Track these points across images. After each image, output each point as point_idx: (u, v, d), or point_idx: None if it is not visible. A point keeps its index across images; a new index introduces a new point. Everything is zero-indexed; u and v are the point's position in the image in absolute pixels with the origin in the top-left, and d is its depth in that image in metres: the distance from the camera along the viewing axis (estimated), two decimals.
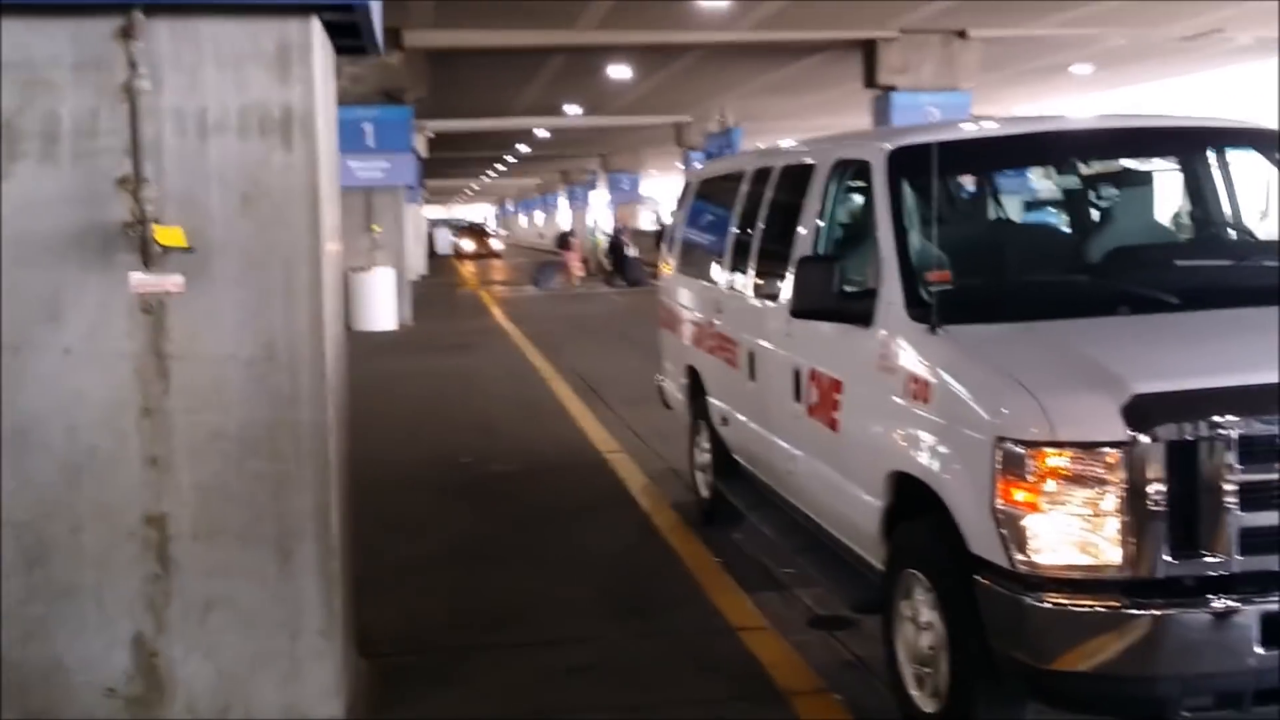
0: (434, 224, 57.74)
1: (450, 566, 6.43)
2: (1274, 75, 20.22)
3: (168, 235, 3.91)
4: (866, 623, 4.93)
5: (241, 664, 4.21)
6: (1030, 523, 3.51)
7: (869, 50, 18.90)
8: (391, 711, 4.57)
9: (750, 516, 6.20)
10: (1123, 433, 3.43)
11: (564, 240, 33.76)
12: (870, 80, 19.14)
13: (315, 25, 4.06)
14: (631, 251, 30.82)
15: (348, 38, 4.45)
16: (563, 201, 61.05)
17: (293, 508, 4.17)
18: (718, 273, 6.71)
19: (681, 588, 5.91)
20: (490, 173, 59.61)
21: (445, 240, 56.04)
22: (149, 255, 3.92)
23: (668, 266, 8.10)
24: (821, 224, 5.25)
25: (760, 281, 5.90)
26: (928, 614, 4.00)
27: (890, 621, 4.27)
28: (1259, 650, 3.38)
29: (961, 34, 18.45)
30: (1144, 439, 3.42)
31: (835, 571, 5.02)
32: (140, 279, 3.96)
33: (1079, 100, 28.05)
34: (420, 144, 29.82)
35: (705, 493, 7.17)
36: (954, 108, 18.23)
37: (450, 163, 45.59)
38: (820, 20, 17.32)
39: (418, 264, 35.89)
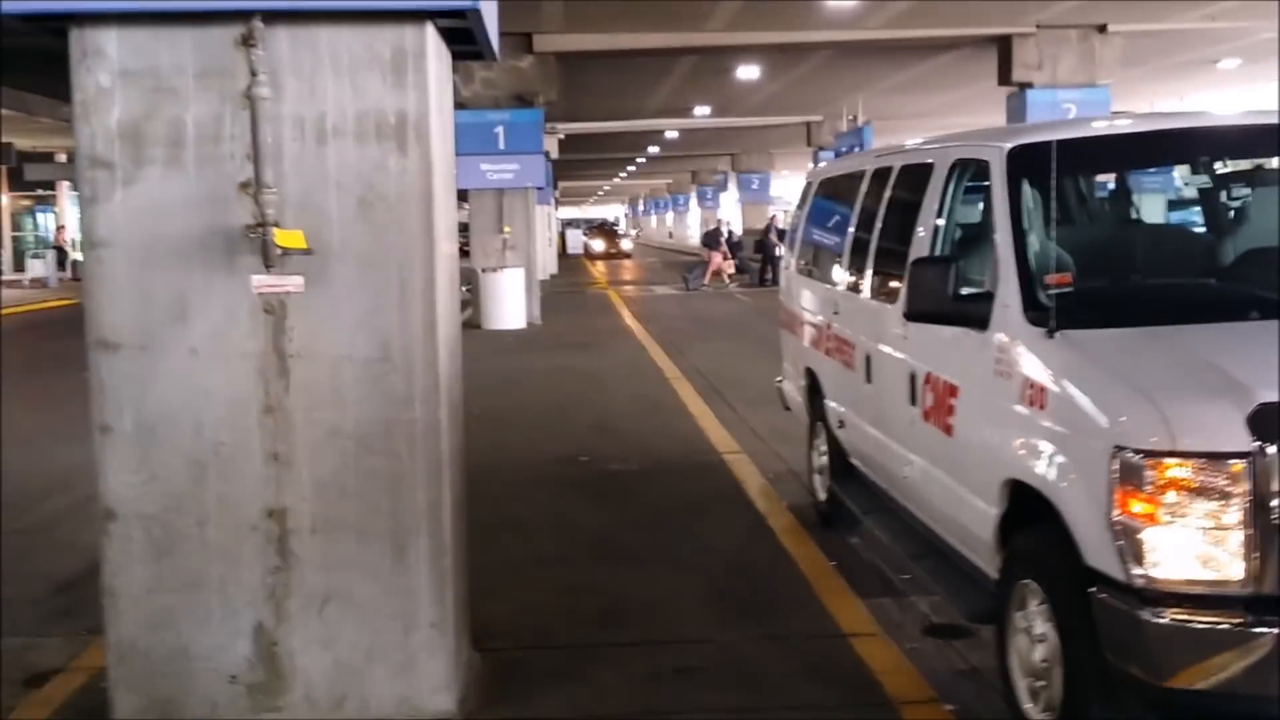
0: (566, 224, 58.40)
1: (566, 563, 6.49)
2: None
3: (288, 238, 4.03)
4: (983, 633, 4.82)
5: (357, 655, 4.31)
6: (1148, 535, 3.39)
7: (1004, 46, 18.48)
8: (504, 706, 4.62)
9: (866, 521, 6.12)
10: (1247, 443, 3.29)
11: (711, 238, 33.10)
12: (1005, 77, 18.72)
13: (430, 31, 4.14)
14: (781, 251, 30.58)
15: (465, 43, 4.53)
16: (693, 201, 61.09)
17: (406, 504, 4.26)
18: (836, 273, 6.65)
19: (795, 591, 5.86)
20: (621, 173, 60.01)
21: (576, 240, 56.65)
22: (270, 257, 4.04)
23: (790, 266, 8.06)
24: (939, 224, 5.15)
25: (877, 283, 5.83)
26: (1042, 626, 3.89)
27: (1004, 632, 4.18)
28: None
29: (1101, 28, 17.91)
30: (1270, 449, 3.27)
31: (951, 579, 4.93)
32: (262, 280, 4.08)
33: (1225, 95, 26.98)
34: (551, 146, 30.20)
35: (822, 496, 7.11)
36: (1092, 104, 17.72)
37: (582, 164, 46.08)
38: (952, 17, 17.01)
39: (548, 264, 36.31)
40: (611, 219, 68.56)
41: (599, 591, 5.99)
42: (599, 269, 43.92)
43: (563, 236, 54.26)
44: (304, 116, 4.09)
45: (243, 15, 3.97)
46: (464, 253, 20.84)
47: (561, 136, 32.29)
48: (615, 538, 7.00)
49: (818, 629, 5.34)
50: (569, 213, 76.00)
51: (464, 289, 20.39)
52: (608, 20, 17.07)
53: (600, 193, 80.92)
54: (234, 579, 4.27)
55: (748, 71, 22.63)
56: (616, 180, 66.09)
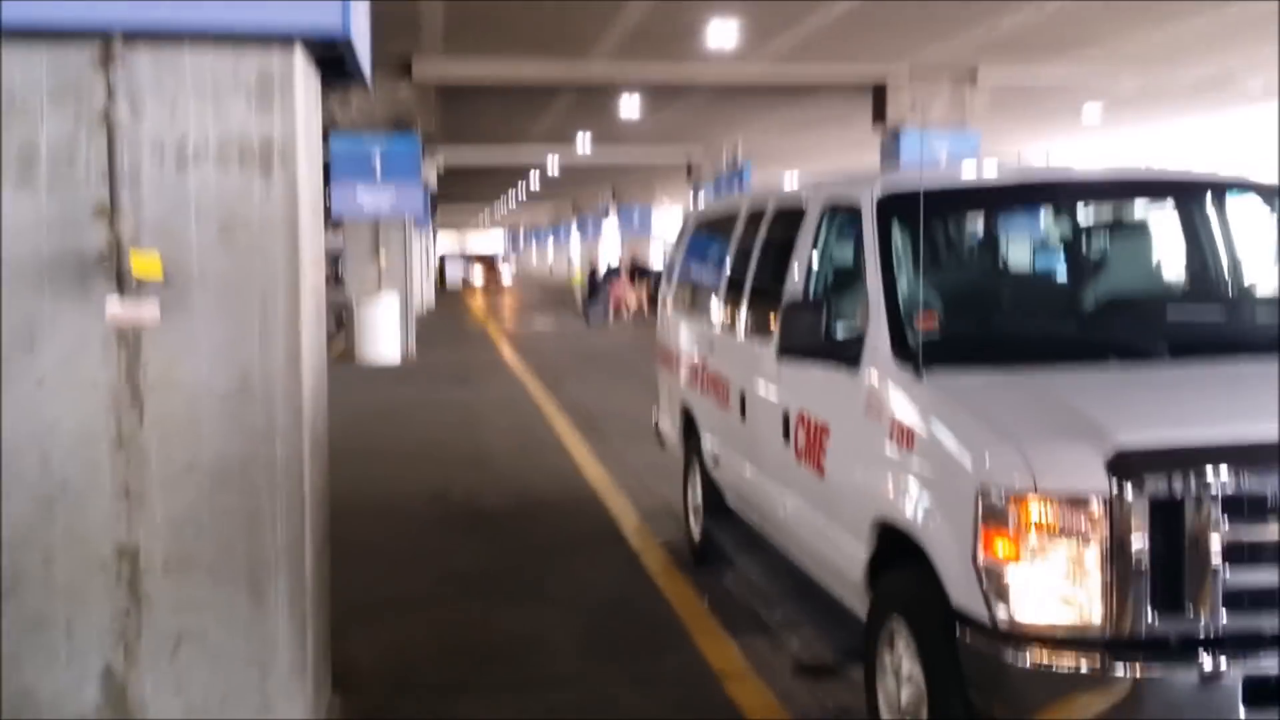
0: (445, 257, 57.81)
1: (436, 602, 6.35)
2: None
3: (144, 265, 3.87)
4: (853, 673, 4.83)
5: (211, 701, 4.14)
6: (1012, 576, 3.43)
7: (879, 90, 18.94)
8: None
9: (740, 560, 6.12)
10: (1106, 485, 3.35)
11: (611, 272, 32.71)
12: (880, 118, 19.16)
13: (298, 56, 4.03)
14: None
15: (336, 69, 4.42)
16: (574, 232, 61.18)
17: (265, 543, 4.11)
18: (712, 311, 6.67)
19: (666, 630, 5.82)
20: (503, 203, 59.81)
21: (455, 272, 56.10)
22: (125, 284, 3.88)
23: (665, 303, 8.07)
24: (812, 265, 5.20)
25: (752, 321, 5.85)
26: (909, 666, 3.91)
27: (873, 673, 4.19)
28: (1243, 713, 3.29)
29: (972, 74, 18.47)
30: (1128, 492, 3.34)
31: (823, 619, 4.95)
32: (116, 309, 3.91)
33: (1090, 142, 28.05)
34: (431, 174, 29.91)
35: (697, 534, 7.09)
36: (963, 147, 18.22)
37: (462, 192, 45.75)
38: (831, 57, 17.37)
39: (426, 296, 35.87)
40: (492, 251, 68.21)
41: (469, 631, 5.87)
42: (478, 301, 43.61)
43: (441, 269, 53.65)
44: (164, 140, 3.94)
45: (102, 35, 3.82)
46: (338, 281, 20.52)
47: (441, 165, 32.04)
48: (487, 576, 6.88)
49: (690, 669, 5.30)
50: (448, 241, 75.33)
51: (335, 320, 20.04)
52: (488, 47, 16.99)
53: (482, 222, 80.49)
54: (82, 619, 4.06)
55: (630, 105, 22.77)
56: (499, 209, 65.83)
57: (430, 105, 19.23)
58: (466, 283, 53.81)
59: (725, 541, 6.41)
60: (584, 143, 29.10)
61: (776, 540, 5.57)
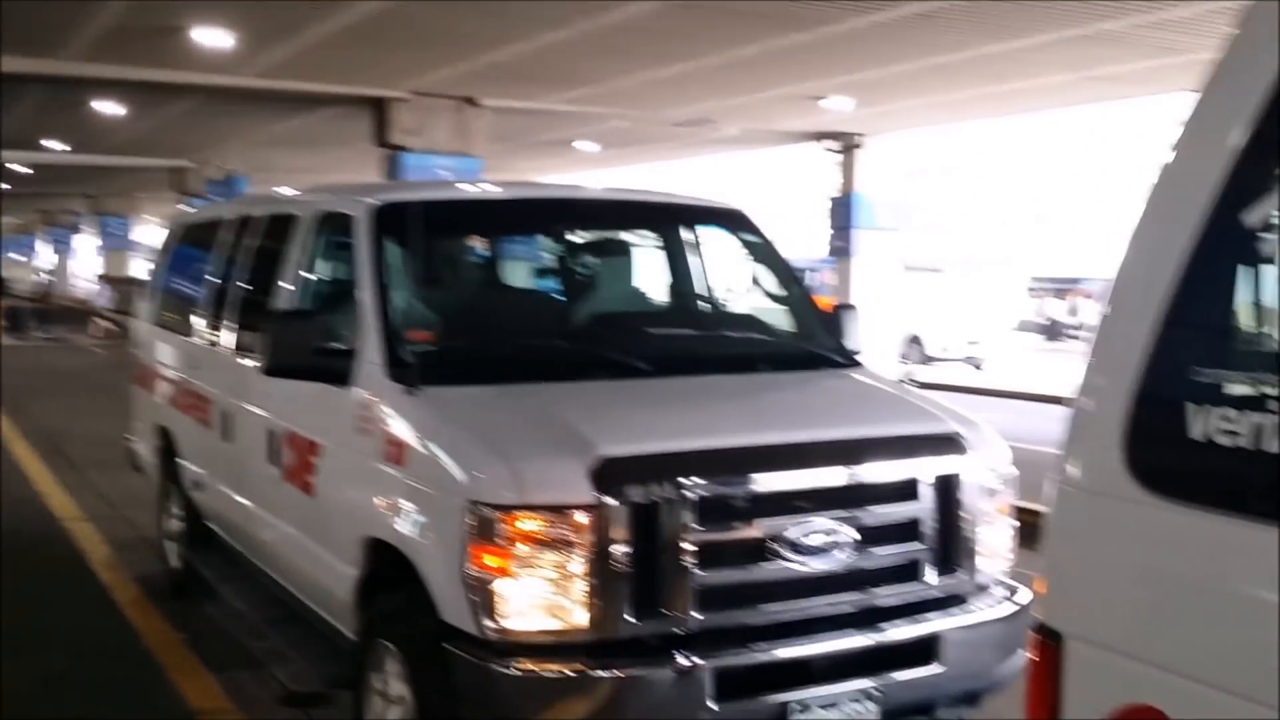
0: None
1: None
2: (759, 163, 22.37)
3: None
4: (343, 699, 4.65)
5: None
6: (500, 588, 3.44)
7: (380, 109, 18.78)
8: None
9: (223, 589, 5.75)
10: (590, 495, 3.44)
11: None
12: (382, 139, 19.02)
13: None
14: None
15: None
16: (41, 245, 55.77)
17: None
18: (195, 326, 6.23)
19: (139, 669, 5.35)
20: None
21: None
22: None
23: (142, 319, 7.47)
24: (304, 278, 4.99)
25: (239, 336, 5.53)
26: (399, 687, 3.81)
27: (361, 696, 4.04)
28: (712, 706, 3.49)
29: (472, 101, 18.80)
30: (610, 501, 3.45)
31: (311, 646, 4.74)
32: None
33: (588, 175, 29.55)
34: None
35: (176, 563, 6.60)
36: (466, 173, 18.50)
37: None
38: (330, 74, 16.99)
39: None
40: None
41: None
42: None
43: None
44: None
45: None
46: None
47: None
48: None
49: (163, 709, 4.88)
50: None
51: None
52: None
53: None
54: None
55: (109, 107, 21.06)
56: None
57: None
58: None
59: (208, 571, 6.00)
60: (56, 148, 26.54)
61: (265, 567, 5.28)
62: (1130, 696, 1.82)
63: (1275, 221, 1.70)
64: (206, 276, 6.16)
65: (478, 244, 5.76)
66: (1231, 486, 1.73)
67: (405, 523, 3.81)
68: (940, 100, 17.26)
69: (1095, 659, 1.90)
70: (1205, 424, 1.73)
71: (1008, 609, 4.01)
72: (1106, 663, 1.88)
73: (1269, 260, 1.73)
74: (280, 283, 5.07)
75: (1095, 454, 1.91)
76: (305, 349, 4.28)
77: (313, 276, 5.03)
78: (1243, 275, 1.77)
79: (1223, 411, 1.70)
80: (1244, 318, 1.79)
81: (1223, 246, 1.76)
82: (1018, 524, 4.15)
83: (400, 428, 3.93)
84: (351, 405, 4.22)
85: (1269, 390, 1.66)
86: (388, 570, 3.95)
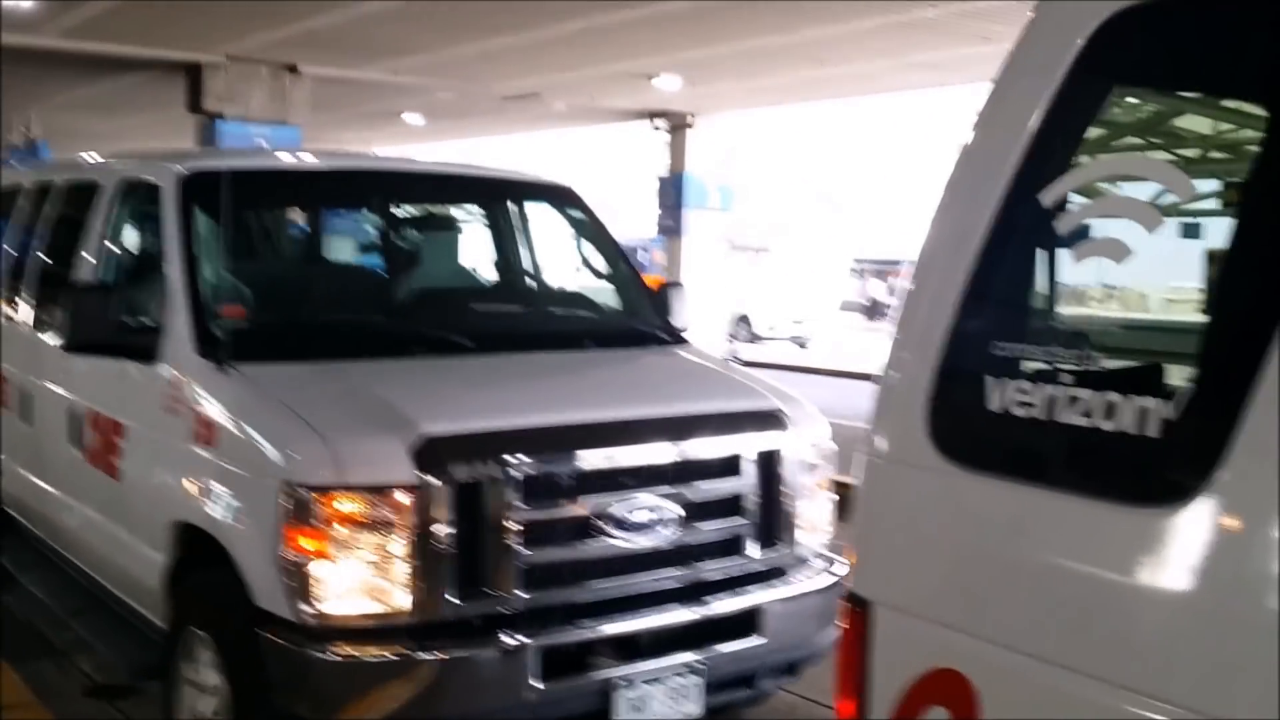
0: None
1: None
2: (589, 140, 22.33)
3: None
4: (152, 690, 4.47)
5: None
6: (316, 571, 3.35)
7: (194, 74, 18.06)
8: None
9: (22, 578, 5.46)
10: (411, 475, 3.38)
11: None
12: (196, 106, 18.29)
13: None
14: None
15: None
16: None
17: None
18: None
19: None
20: None
21: None
22: None
23: None
24: (107, 249, 4.76)
25: (37, 311, 5.25)
26: (211, 676, 3.68)
27: (172, 685, 3.89)
28: (538, 684, 3.48)
29: (292, 68, 18.25)
30: (433, 481, 3.40)
31: (117, 635, 4.54)
32: None
33: (414, 148, 29.04)
34: None
35: None
36: (284, 142, 17.96)
37: None
38: (140, 37, 16.24)
39: None
40: None
41: None
42: None
43: None
44: None
45: None
46: None
47: None
48: None
49: None
50: None
51: None
52: None
53: None
54: None
55: None
56: None
57: None
58: None
59: (7, 559, 5.69)
60: None
61: (68, 554, 5.04)
62: (935, 661, 1.87)
63: (1068, 203, 1.77)
64: (3, 247, 5.83)
65: (295, 216, 5.59)
66: (1027, 456, 1.79)
67: (217, 506, 3.68)
68: (765, 83, 17.55)
69: (901, 625, 1.95)
70: (1002, 396, 1.79)
71: (826, 580, 4.10)
72: (912, 629, 1.93)
73: (1062, 240, 1.79)
74: (83, 254, 4.83)
75: (900, 426, 1.97)
76: (109, 324, 4.09)
77: (117, 248, 4.80)
78: (1037, 255, 1.83)
79: (1018, 384, 1.77)
80: (1038, 295, 1.85)
81: (1018, 227, 1.82)
82: (837, 498, 4.26)
83: (211, 407, 3.79)
84: (159, 383, 4.05)
85: (1061, 364, 1.73)
86: (198, 555, 3.81)
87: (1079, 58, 1.77)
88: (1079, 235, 1.76)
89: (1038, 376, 1.75)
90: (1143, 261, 1.70)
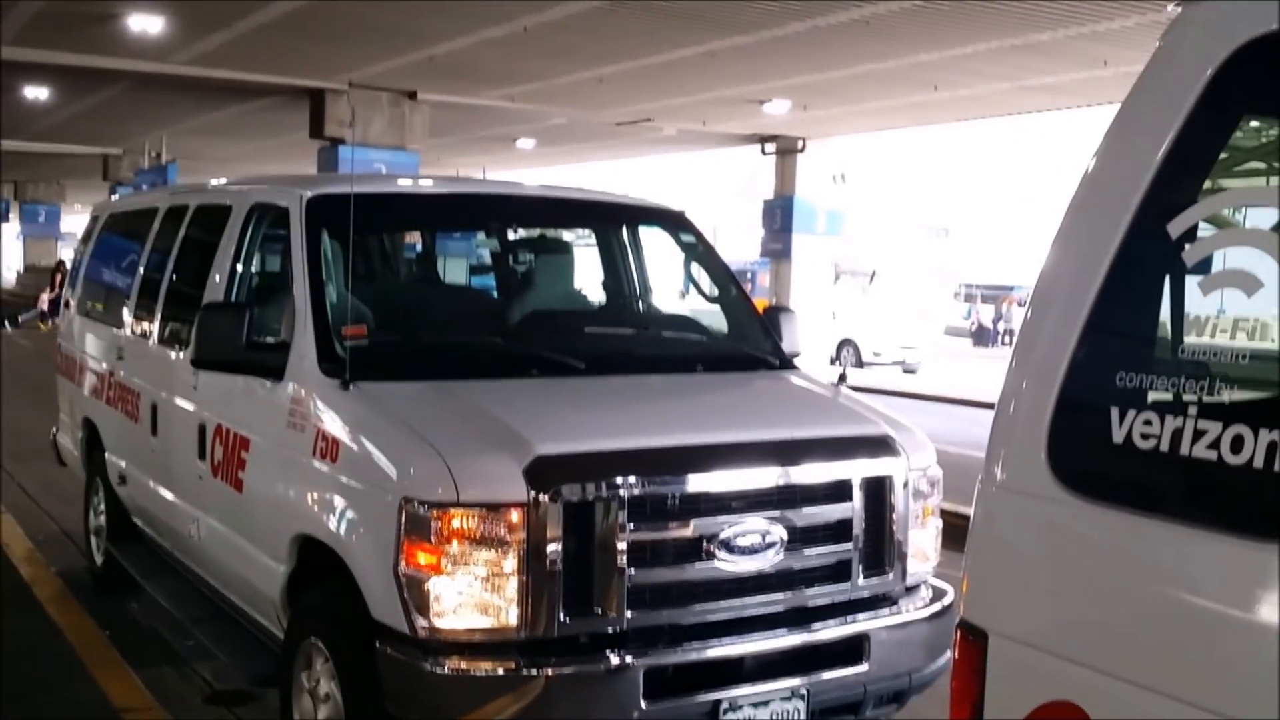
0: None
1: None
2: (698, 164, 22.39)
3: None
4: (269, 697, 4.60)
5: None
6: (432, 586, 3.42)
7: (317, 100, 18.58)
8: None
9: (147, 585, 5.66)
10: (524, 493, 3.44)
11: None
12: (317, 131, 18.81)
13: None
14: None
15: None
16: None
17: None
18: (123, 316, 6.13)
19: (59, 666, 5.22)
20: None
21: None
22: None
23: (70, 307, 7.33)
24: (236, 269, 4.93)
25: (168, 328, 5.45)
26: (326, 685, 3.78)
27: (289, 693, 4.00)
28: (643, 704, 3.50)
29: (411, 95, 18.67)
30: (544, 499, 3.45)
31: (237, 643, 4.68)
32: None
33: (526, 173, 29.45)
34: None
35: (99, 558, 6.48)
36: (402, 167, 18.36)
37: None
38: (265, 64, 16.79)
39: None
40: None
41: None
42: None
43: None
44: None
45: None
46: None
47: None
48: None
49: (85, 708, 4.78)
50: None
51: None
52: None
53: None
54: None
55: (37, 92, 20.61)
56: None
57: None
58: None
59: (132, 566, 5.90)
60: None
61: (191, 563, 5.21)
62: (1052, 693, 1.85)
63: (1196, 232, 1.75)
64: (135, 266, 6.07)
65: (414, 239, 5.72)
66: (1150, 488, 1.77)
67: (337, 519, 3.78)
68: (877, 106, 17.45)
69: (1017, 656, 1.94)
70: (1125, 427, 1.77)
71: (934, 609, 4.06)
72: (1028, 660, 1.91)
73: (1189, 269, 1.77)
74: (212, 274, 5.01)
75: (1020, 455, 1.95)
76: (237, 341, 4.23)
77: (247, 268, 4.97)
78: (1163, 283, 1.81)
79: (1143, 415, 1.75)
80: (1163, 324, 1.83)
81: (1144, 255, 1.81)
82: (943, 525, 4.22)
83: (334, 424, 3.90)
84: (284, 400, 4.17)
85: (1187, 396, 1.71)
86: (318, 568, 3.92)
87: (1208, 86, 1.76)
88: (1206, 265, 1.74)
89: (1162, 408, 1.73)
90: (1272, 291, 1.68)
